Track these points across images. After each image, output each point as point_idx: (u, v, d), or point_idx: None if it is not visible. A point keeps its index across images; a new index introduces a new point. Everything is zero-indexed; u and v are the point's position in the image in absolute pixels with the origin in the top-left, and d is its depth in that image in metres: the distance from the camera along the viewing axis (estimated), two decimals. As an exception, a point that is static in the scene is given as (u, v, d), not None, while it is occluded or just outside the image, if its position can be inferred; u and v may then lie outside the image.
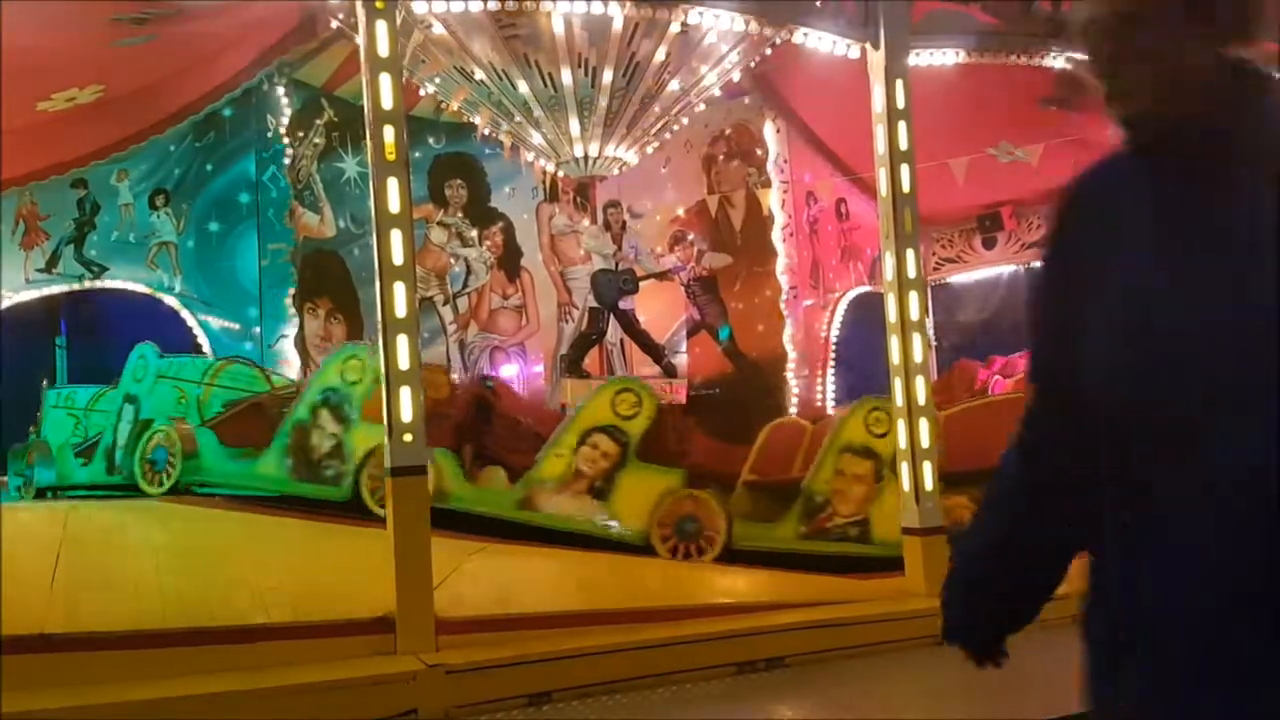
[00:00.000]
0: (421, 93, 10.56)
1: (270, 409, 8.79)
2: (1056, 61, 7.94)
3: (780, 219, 13.60)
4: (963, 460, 7.93)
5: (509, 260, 13.40)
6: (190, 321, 11.71)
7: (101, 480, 8.87)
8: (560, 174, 11.27)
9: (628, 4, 6.99)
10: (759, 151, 13.66)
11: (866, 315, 12.86)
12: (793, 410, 13.22)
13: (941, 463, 7.47)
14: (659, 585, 6.95)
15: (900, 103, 6.94)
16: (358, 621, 5.35)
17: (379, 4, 5.66)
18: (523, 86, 9.35)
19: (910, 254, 6.88)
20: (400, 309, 5.53)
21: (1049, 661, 6.07)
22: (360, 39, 5.71)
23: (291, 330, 11.92)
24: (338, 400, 8.12)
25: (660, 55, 9.08)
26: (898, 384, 6.87)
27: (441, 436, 7.80)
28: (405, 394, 5.52)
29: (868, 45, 7.05)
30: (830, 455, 7.85)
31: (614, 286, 11.25)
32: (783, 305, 13.54)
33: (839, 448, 7.85)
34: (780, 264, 13.56)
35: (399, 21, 5.79)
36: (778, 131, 13.54)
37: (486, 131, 10.43)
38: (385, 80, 5.65)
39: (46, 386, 10.00)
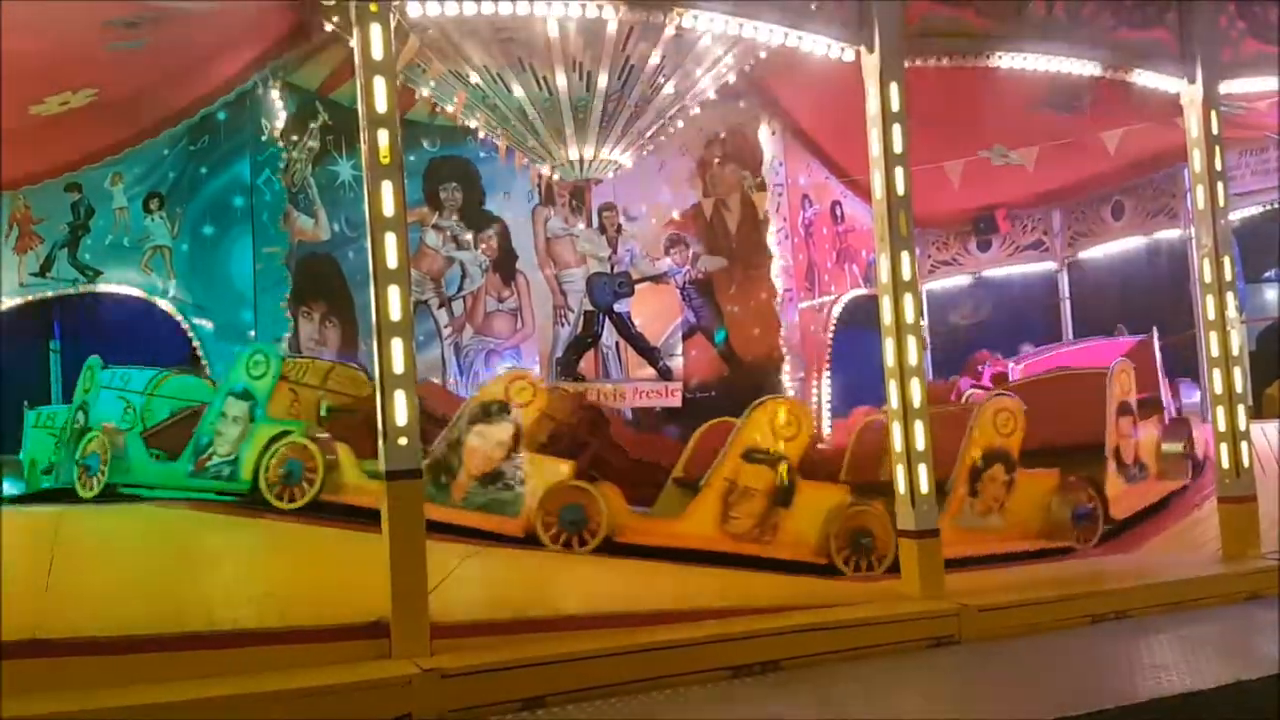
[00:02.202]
0: (416, 96, 10.55)
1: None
2: (1050, 64, 7.97)
3: (775, 222, 13.61)
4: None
5: (504, 263, 13.38)
6: (184, 325, 11.69)
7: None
8: (555, 177, 11.27)
9: (622, 7, 6.98)
10: (754, 154, 13.67)
11: (862, 318, 12.89)
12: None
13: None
14: (647, 587, 6.93)
15: (895, 106, 6.96)
16: (352, 626, 5.35)
17: (373, 7, 5.66)
18: (518, 90, 9.35)
19: (905, 256, 6.90)
20: (395, 312, 5.53)
21: (1048, 663, 6.08)
22: (355, 42, 5.71)
23: (286, 334, 11.89)
24: (243, 396, 8.40)
25: (655, 59, 9.08)
26: (893, 386, 6.88)
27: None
28: (400, 398, 5.51)
29: (862, 48, 7.07)
30: (732, 457, 7.68)
31: (609, 289, 11.28)
32: (778, 308, 13.55)
33: (740, 449, 7.68)
34: (775, 267, 13.57)
35: (393, 25, 5.79)
36: (772, 134, 13.55)
37: (482, 135, 10.43)
38: (380, 84, 5.66)
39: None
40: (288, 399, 8.83)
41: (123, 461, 8.53)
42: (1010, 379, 11.29)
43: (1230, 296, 8.17)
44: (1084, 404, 8.83)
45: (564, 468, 7.74)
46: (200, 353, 11.42)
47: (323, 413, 9.01)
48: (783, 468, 7.59)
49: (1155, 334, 10.63)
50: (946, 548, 6.91)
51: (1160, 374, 10.31)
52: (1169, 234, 12.50)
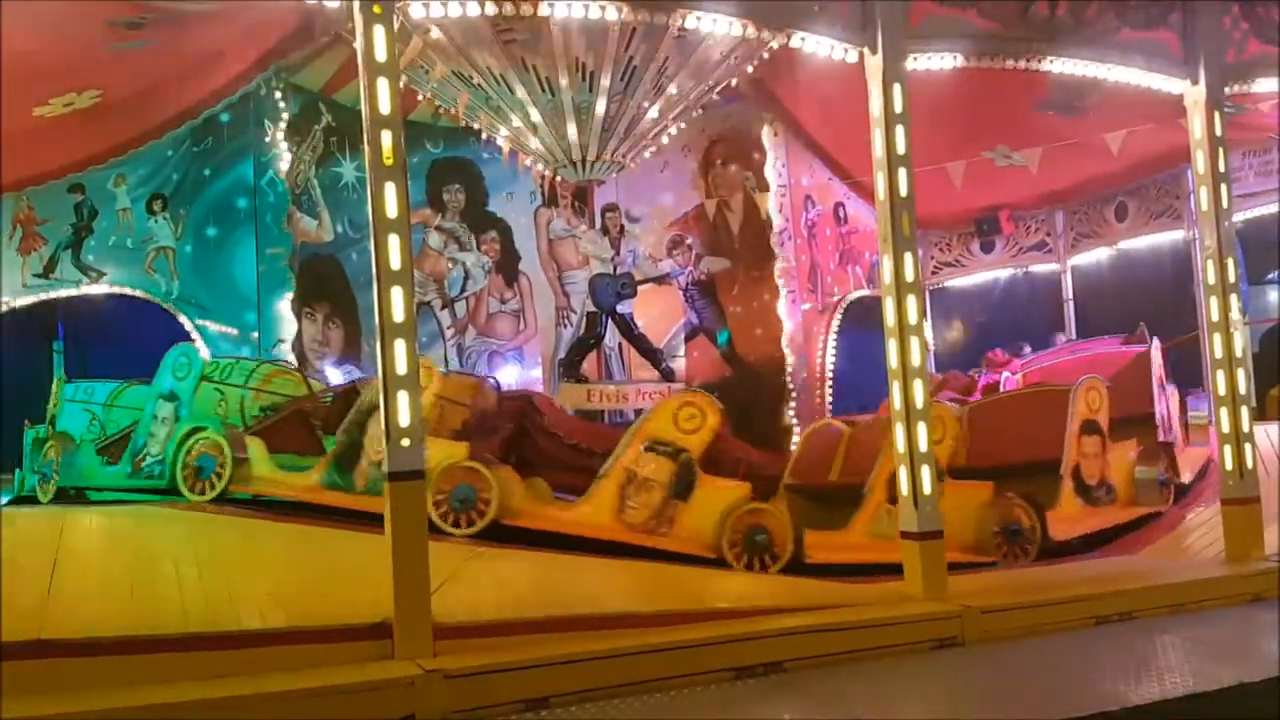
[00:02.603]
0: (420, 98, 10.56)
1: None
2: (1054, 65, 7.96)
3: (778, 223, 13.62)
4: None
5: (507, 265, 13.40)
6: (188, 326, 11.71)
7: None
8: (558, 178, 11.28)
9: (625, 8, 6.98)
10: (756, 155, 13.67)
11: (865, 319, 12.88)
12: (790, 415, 13.26)
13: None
14: (655, 589, 6.93)
15: (898, 107, 6.95)
16: (355, 627, 5.35)
17: (376, 9, 5.66)
18: (520, 91, 9.36)
19: (908, 258, 6.89)
20: (398, 313, 5.53)
21: (1051, 665, 6.07)
22: (358, 44, 5.71)
23: (289, 335, 11.91)
24: (170, 398, 8.78)
25: (658, 60, 9.09)
26: (896, 388, 6.87)
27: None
28: (403, 399, 5.51)
29: (865, 49, 7.06)
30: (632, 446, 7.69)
31: (612, 291, 11.28)
32: (781, 309, 13.54)
33: (642, 440, 7.70)
34: (778, 268, 13.57)
35: (397, 26, 5.79)
36: (775, 135, 13.56)
37: (485, 136, 10.44)
38: (383, 85, 5.65)
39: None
40: (214, 399, 9.02)
41: (73, 467, 8.83)
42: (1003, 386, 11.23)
43: (1234, 298, 8.15)
44: (1048, 421, 8.73)
45: (459, 450, 7.75)
46: (204, 354, 11.42)
47: (255, 411, 9.12)
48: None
49: (1155, 343, 10.52)
50: (855, 552, 6.86)
51: (1157, 388, 10.19)
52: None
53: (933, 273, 14.71)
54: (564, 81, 9.17)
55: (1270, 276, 16.19)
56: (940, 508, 7.48)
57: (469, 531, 7.53)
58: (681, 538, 7.56)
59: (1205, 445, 9.46)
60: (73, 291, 11.41)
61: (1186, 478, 9.82)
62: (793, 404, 13.38)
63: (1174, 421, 10.39)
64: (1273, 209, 12.09)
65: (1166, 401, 10.27)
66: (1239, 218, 9.85)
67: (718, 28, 7.15)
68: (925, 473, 6.75)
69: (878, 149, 7.01)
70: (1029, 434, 8.62)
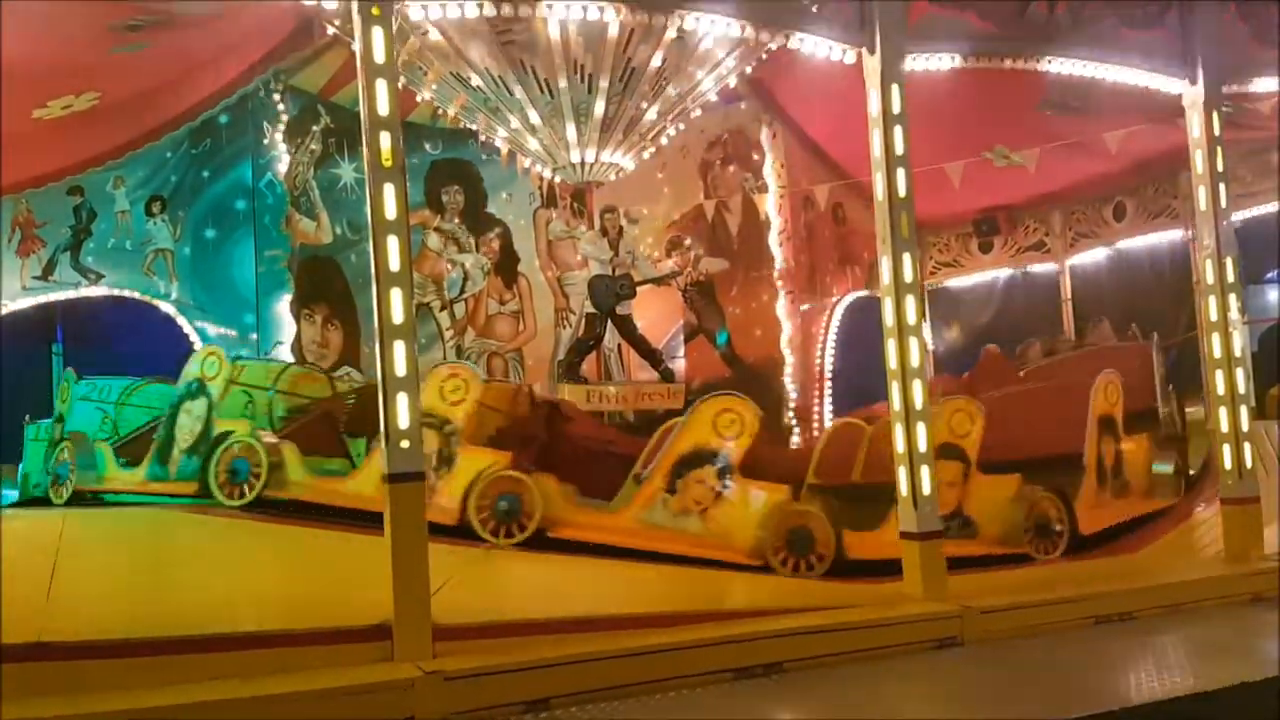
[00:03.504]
0: (418, 99, 10.56)
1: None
2: (1052, 66, 7.97)
3: (777, 223, 13.62)
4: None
5: (506, 266, 13.39)
6: (186, 328, 11.71)
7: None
8: (557, 180, 11.27)
9: (624, 10, 6.98)
10: (755, 156, 13.66)
11: (864, 319, 12.87)
12: (790, 414, 13.26)
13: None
14: (655, 590, 6.94)
15: (896, 107, 6.96)
16: (355, 629, 5.35)
17: (375, 10, 5.67)
18: (519, 92, 9.35)
19: (907, 258, 6.90)
20: (397, 315, 5.53)
21: (1051, 664, 6.07)
22: (356, 45, 5.71)
23: (288, 337, 11.90)
24: (198, 398, 8.54)
25: (656, 61, 9.08)
26: (895, 388, 6.88)
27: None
28: (402, 400, 5.51)
29: (864, 50, 7.07)
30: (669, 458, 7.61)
31: (611, 292, 11.25)
32: (780, 310, 13.55)
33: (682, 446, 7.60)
34: (777, 268, 13.57)
35: (395, 27, 5.80)
36: (774, 136, 13.56)
37: (484, 137, 10.44)
38: (381, 86, 5.66)
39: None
40: (242, 400, 8.92)
41: (90, 468, 8.65)
42: None
43: (1233, 298, 8.16)
44: (1066, 415, 8.73)
45: (502, 459, 7.74)
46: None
47: (281, 413, 9.04)
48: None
49: (1155, 340, 10.54)
50: (890, 550, 6.83)
51: (1159, 384, 10.21)
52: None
53: (931, 273, 14.71)
54: (563, 83, 9.16)
55: (1269, 275, 16.20)
56: (969, 502, 7.56)
57: (511, 542, 7.47)
58: (723, 544, 7.45)
59: None
60: (71, 294, 11.40)
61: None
62: (792, 405, 13.38)
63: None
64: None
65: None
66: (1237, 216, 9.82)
67: (716, 29, 7.15)
68: (925, 473, 6.76)
69: (876, 149, 7.02)
70: (1048, 428, 8.61)
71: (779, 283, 13.57)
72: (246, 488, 8.05)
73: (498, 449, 8.01)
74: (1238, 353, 8.14)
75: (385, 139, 5.63)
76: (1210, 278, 8.19)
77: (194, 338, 11.64)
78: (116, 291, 11.56)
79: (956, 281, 15.11)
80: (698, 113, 10.52)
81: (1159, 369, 10.20)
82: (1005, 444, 8.04)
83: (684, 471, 7.56)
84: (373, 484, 7.14)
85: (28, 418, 10.15)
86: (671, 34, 8.55)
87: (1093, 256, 13.73)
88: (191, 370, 8.80)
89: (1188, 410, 10.50)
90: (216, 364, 8.76)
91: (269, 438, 8.33)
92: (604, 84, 9.19)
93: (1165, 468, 9.74)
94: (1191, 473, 9.80)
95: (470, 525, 7.54)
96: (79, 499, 8.61)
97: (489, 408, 8.56)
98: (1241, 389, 8.14)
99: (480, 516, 7.55)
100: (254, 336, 11.77)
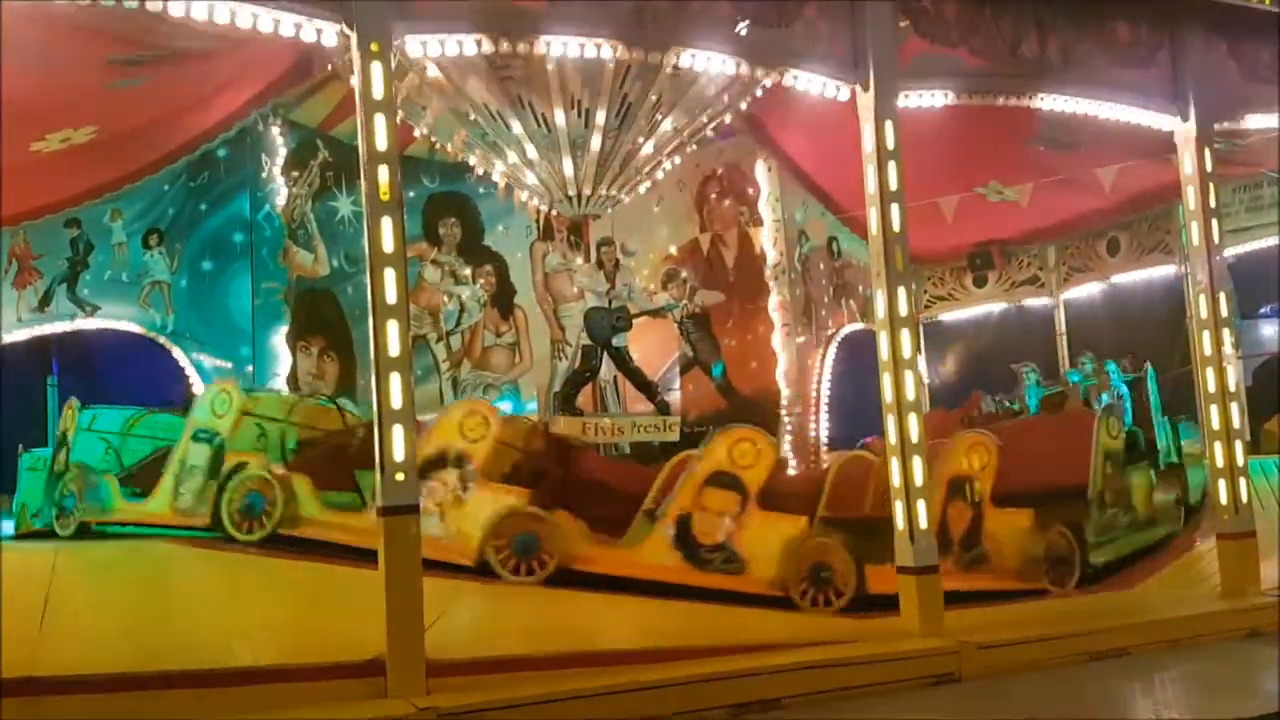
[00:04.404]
0: (416, 134, 10.62)
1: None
2: (1044, 103, 8.04)
3: (772, 257, 13.67)
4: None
5: (502, 298, 13.41)
6: (182, 360, 11.68)
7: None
8: (554, 213, 11.32)
9: (620, 46, 7.05)
10: (751, 190, 13.74)
11: (859, 353, 12.89)
12: (786, 447, 13.23)
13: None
14: (656, 626, 6.89)
15: (890, 143, 7.03)
16: (348, 664, 5.31)
17: (374, 46, 5.72)
18: (516, 127, 9.42)
19: (902, 292, 6.93)
20: (393, 347, 5.54)
21: (1048, 700, 6.03)
22: (355, 81, 5.76)
23: (284, 369, 11.89)
24: (209, 430, 8.38)
25: (652, 96, 9.16)
26: (891, 422, 6.88)
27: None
28: (398, 432, 5.51)
29: (857, 87, 7.15)
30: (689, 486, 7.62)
31: (607, 324, 11.26)
32: (775, 342, 13.57)
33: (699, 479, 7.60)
34: (773, 301, 13.61)
35: (394, 63, 5.85)
36: (769, 170, 13.64)
37: (481, 171, 10.49)
38: (380, 121, 5.70)
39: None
40: (253, 433, 8.78)
41: (96, 501, 8.47)
42: None
43: (1226, 332, 8.20)
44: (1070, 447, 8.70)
45: (522, 496, 7.67)
46: (198, 389, 11.38)
47: (292, 445, 8.94)
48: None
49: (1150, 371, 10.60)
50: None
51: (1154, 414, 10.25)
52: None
53: (926, 306, 14.75)
54: (560, 118, 9.23)
55: (1263, 310, 16.25)
56: (985, 535, 7.49)
57: (532, 580, 7.37)
58: (743, 576, 7.40)
59: None
60: (68, 325, 11.38)
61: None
62: (788, 437, 13.36)
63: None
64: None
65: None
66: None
67: (712, 66, 7.22)
68: (921, 507, 6.75)
69: (870, 184, 7.08)
70: (1052, 460, 8.58)
71: (775, 315, 13.60)
72: (260, 522, 7.90)
73: (513, 485, 7.92)
74: (1232, 387, 8.16)
75: (383, 173, 5.67)
76: (1204, 312, 8.23)
77: (190, 370, 11.61)
78: (113, 324, 11.54)
79: (950, 315, 15.16)
80: (694, 147, 10.59)
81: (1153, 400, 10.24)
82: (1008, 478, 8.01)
83: (700, 505, 7.52)
84: None
85: (21, 448, 10.07)
86: (667, 70, 8.62)
87: (1087, 290, 13.80)
88: (203, 405, 8.68)
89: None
90: (227, 400, 8.62)
91: (280, 470, 8.18)
92: (601, 119, 9.26)
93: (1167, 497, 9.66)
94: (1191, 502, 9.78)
95: (489, 563, 7.43)
96: (84, 531, 8.45)
97: (505, 444, 8.46)
98: (1236, 423, 8.15)
99: (499, 556, 7.44)
100: (250, 369, 11.75)
